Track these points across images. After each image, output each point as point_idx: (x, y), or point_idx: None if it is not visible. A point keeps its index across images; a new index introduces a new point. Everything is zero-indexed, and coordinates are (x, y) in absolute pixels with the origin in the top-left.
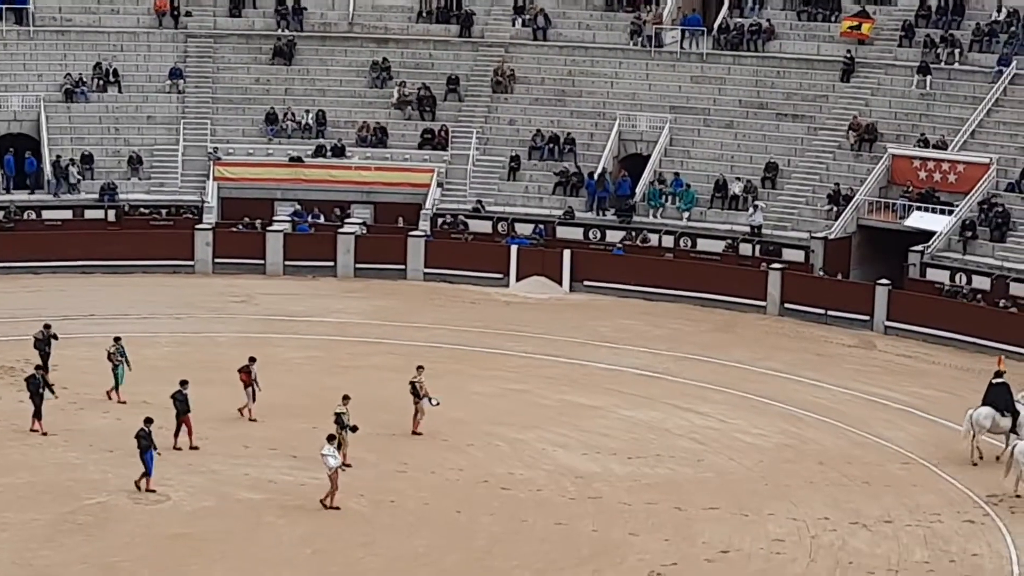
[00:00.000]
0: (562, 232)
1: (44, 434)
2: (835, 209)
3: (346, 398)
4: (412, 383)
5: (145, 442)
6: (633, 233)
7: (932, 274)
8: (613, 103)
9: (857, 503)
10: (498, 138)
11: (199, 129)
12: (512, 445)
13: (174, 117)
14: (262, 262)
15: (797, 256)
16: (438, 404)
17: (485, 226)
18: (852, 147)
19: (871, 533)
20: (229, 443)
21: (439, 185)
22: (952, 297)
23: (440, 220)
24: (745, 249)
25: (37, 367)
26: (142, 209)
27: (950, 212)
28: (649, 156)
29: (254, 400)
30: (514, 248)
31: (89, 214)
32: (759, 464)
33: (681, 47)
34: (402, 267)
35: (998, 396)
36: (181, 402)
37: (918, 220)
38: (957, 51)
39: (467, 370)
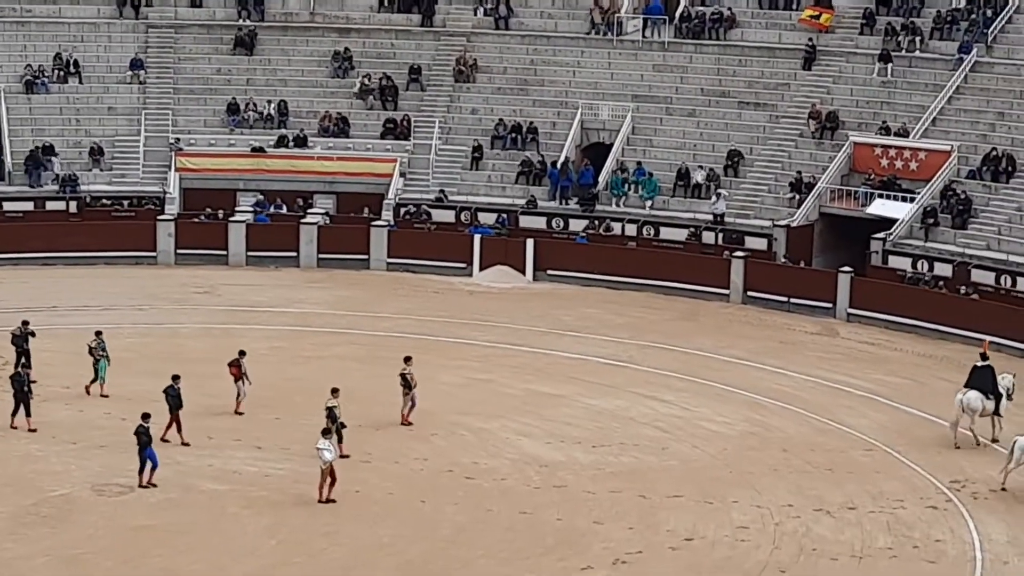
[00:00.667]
0: (525, 221)
1: (32, 431)
2: (797, 197)
3: (335, 391)
4: (403, 375)
5: (145, 438)
6: (596, 222)
7: (894, 261)
8: (575, 92)
9: (820, 490)
10: (460, 128)
11: (160, 120)
12: (477, 434)
13: (135, 108)
14: (225, 253)
15: (760, 244)
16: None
17: (448, 216)
18: (814, 135)
19: (835, 520)
20: (193, 434)
21: (402, 175)
22: (914, 284)
23: (403, 210)
24: (708, 237)
25: (23, 365)
26: (104, 200)
27: (912, 199)
28: (611, 145)
29: (244, 395)
30: (477, 238)
31: (50, 206)
32: (723, 452)
33: (643, 36)
34: (365, 257)
35: (983, 379)
36: (174, 397)
37: (880, 208)
38: (918, 39)
39: (431, 360)
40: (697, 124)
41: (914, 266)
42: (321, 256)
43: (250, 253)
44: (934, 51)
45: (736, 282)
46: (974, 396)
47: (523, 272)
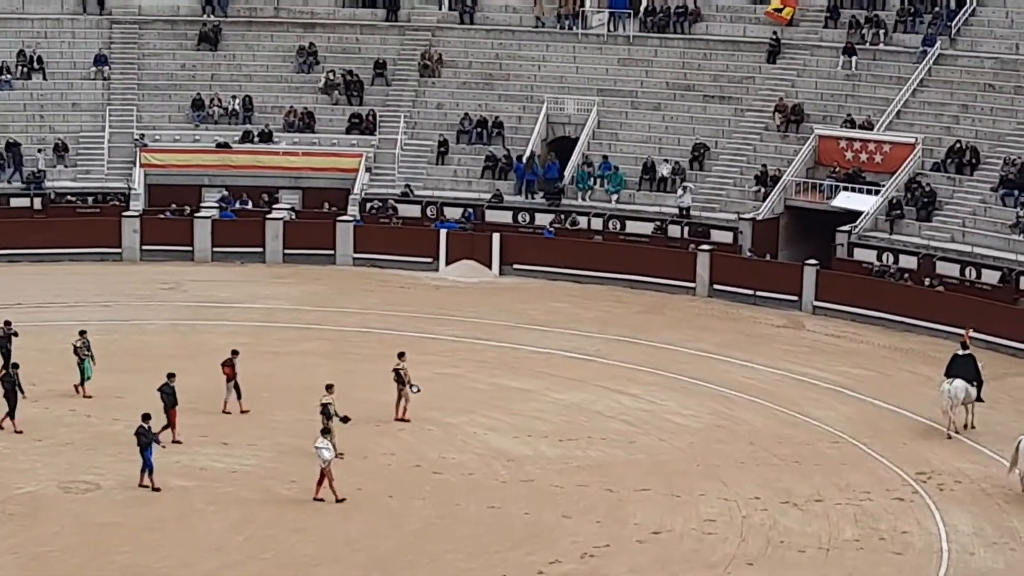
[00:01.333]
0: (491, 216)
1: (19, 432)
2: (763, 190)
3: (330, 387)
4: (396, 370)
5: (145, 439)
6: (562, 216)
7: (859, 254)
8: (541, 86)
9: (787, 482)
10: (426, 122)
11: (125, 116)
12: (444, 429)
13: (99, 104)
14: (190, 249)
15: (725, 237)
16: (418, 391)
17: (414, 210)
18: (779, 128)
19: (802, 512)
20: (158, 431)
21: (367, 170)
22: (879, 277)
23: (368, 205)
24: (674, 231)
25: (13, 365)
26: (68, 197)
27: (876, 192)
28: (577, 139)
29: (240, 395)
30: (443, 232)
31: (15, 202)
32: (690, 445)
33: (608, 30)
34: (331, 252)
35: (966, 368)
36: (168, 395)
37: (845, 200)
38: (882, 32)
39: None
40: (662, 118)
41: (879, 258)
42: (287, 252)
43: (216, 249)
44: (898, 44)
45: (702, 275)
46: (960, 385)
47: (489, 266)
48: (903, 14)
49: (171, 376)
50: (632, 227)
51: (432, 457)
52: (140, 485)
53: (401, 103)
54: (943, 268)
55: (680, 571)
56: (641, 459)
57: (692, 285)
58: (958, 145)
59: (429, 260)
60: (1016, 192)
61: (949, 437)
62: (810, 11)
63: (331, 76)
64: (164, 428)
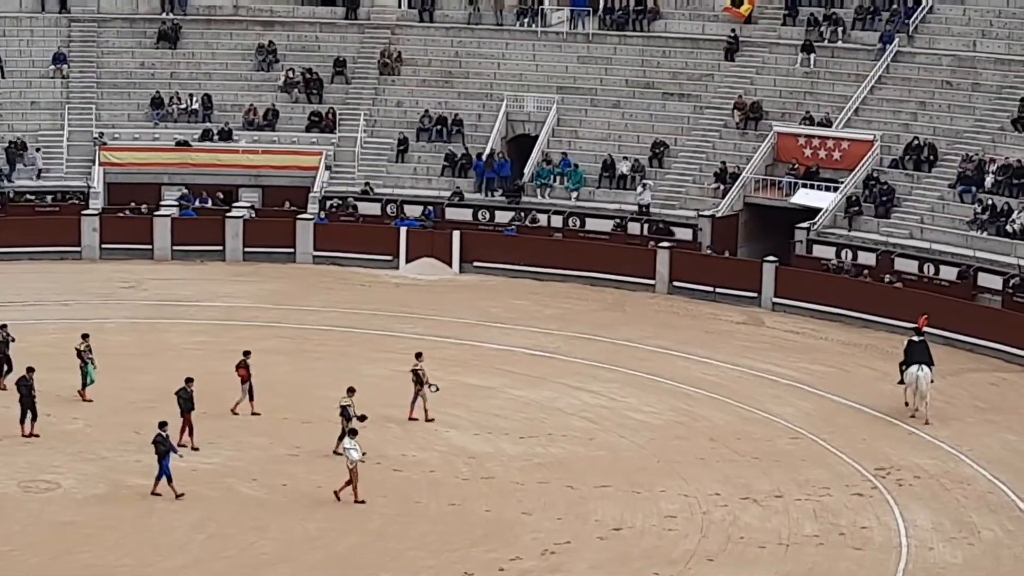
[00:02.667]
0: (451, 213)
1: (35, 436)
2: (722, 187)
3: (351, 390)
4: (414, 370)
5: (163, 447)
6: (522, 214)
7: (818, 250)
8: (500, 84)
9: (747, 478)
10: (386, 120)
11: (84, 114)
12: (404, 427)
13: (58, 102)
14: (150, 247)
15: (685, 234)
16: (437, 390)
17: (374, 208)
18: (738, 125)
19: (762, 508)
20: (120, 429)
21: (327, 168)
22: (838, 273)
23: (329, 203)
24: (633, 228)
25: (28, 369)
26: (27, 195)
27: (835, 189)
28: (537, 137)
29: (252, 397)
30: (403, 230)
31: None
32: (650, 441)
33: (568, 28)
34: (291, 250)
35: (924, 353)
36: (185, 400)
37: (804, 197)
38: (840, 29)
39: (358, 353)
40: (622, 115)
41: (838, 255)
42: (247, 250)
43: (176, 247)
44: (856, 41)
45: (662, 272)
46: (928, 372)
47: (449, 264)
48: (861, 11)
49: (189, 381)
50: (592, 224)
51: (393, 455)
52: (153, 493)
53: (361, 101)
54: (901, 264)
55: (641, 567)
56: (602, 456)
57: (652, 282)
58: (916, 142)
59: (389, 258)
60: (974, 189)
61: (914, 416)
62: (768, 9)
63: (291, 74)
64: (182, 434)
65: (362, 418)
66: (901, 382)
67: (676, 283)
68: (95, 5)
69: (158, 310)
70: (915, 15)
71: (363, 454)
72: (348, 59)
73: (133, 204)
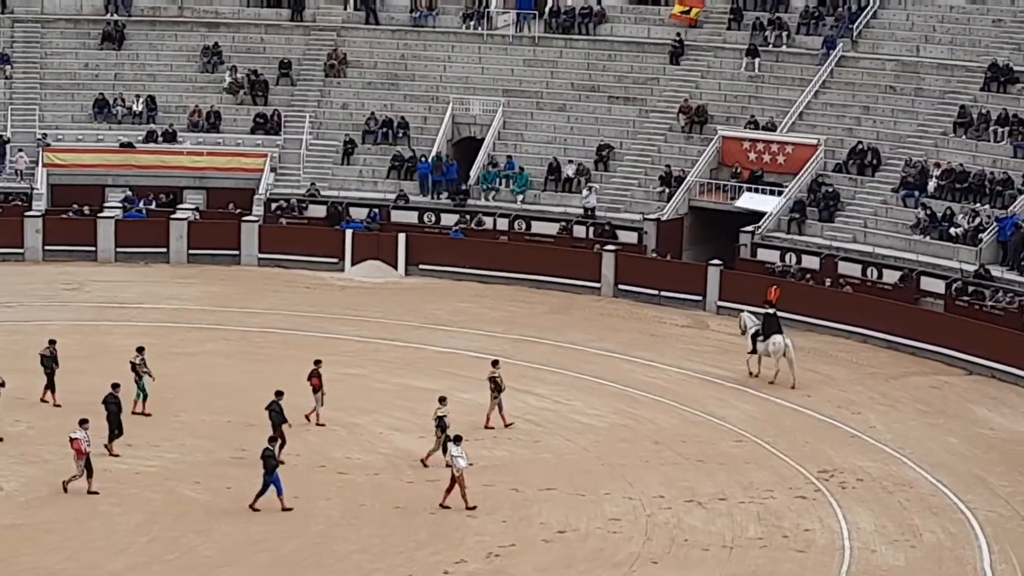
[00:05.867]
0: (397, 216)
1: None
2: (667, 191)
3: (443, 400)
4: (492, 378)
5: (272, 462)
6: (468, 216)
7: (763, 254)
8: (446, 86)
9: (692, 481)
10: (331, 122)
11: (27, 115)
12: (349, 429)
13: (1, 103)
14: (93, 249)
15: (630, 238)
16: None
17: (320, 211)
18: (683, 129)
19: (706, 511)
20: (62, 432)
21: (272, 170)
22: (782, 277)
23: (274, 205)
24: (579, 231)
25: (114, 385)
26: None
27: (779, 193)
28: (483, 139)
29: (322, 404)
30: (349, 232)
31: None
32: (595, 444)
33: (514, 31)
34: (236, 252)
35: (776, 323)
36: (277, 413)
37: (748, 201)
38: (785, 34)
39: (303, 355)
40: (567, 118)
41: (782, 259)
42: (191, 252)
43: (119, 249)
44: (801, 46)
45: (607, 275)
46: (783, 340)
47: (395, 266)
48: (806, 16)
49: (279, 394)
50: (537, 227)
51: (337, 457)
52: (252, 507)
53: (306, 103)
54: (845, 268)
55: (585, 570)
56: (547, 458)
57: (597, 285)
58: (860, 146)
59: (334, 260)
60: (916, 193)
61: (772, 382)
62: (713, 13)
63: (235, 75)
64: (280, 447)
65: (445, 428)
66: (753, 351)
67: (621, 286)
68: (38, 5)
69: (101, 312)
70: (859, 20)
71: (470, 463)
72: (293, 61)
73: (75, 205)
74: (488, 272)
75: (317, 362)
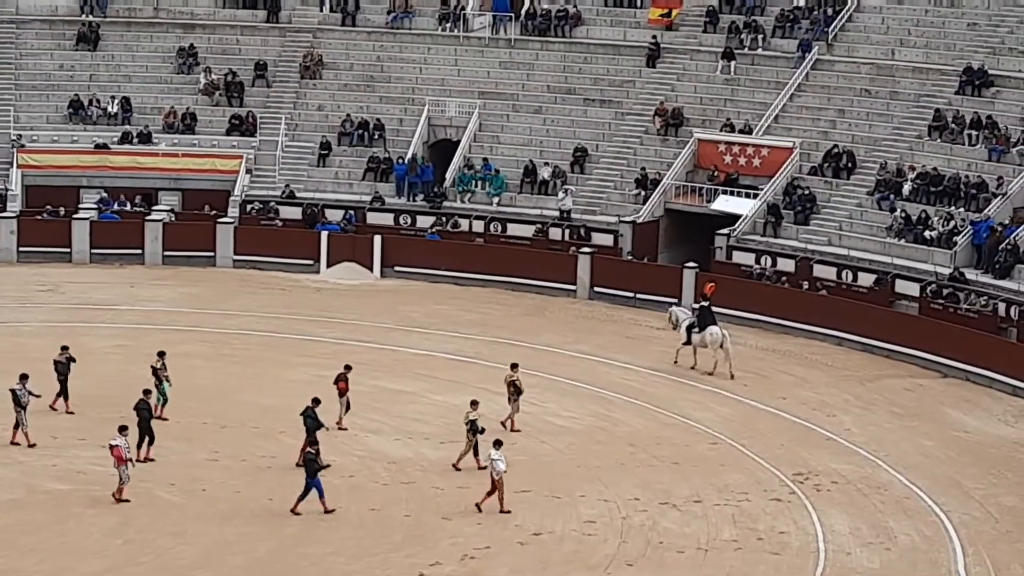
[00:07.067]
0: (372, 218)
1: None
2: (643, 193)
3: (475, 403)
4: (512, 381)
5: (315, 465)
6: (443, 218)
7: (738, 257)
8: (422, 88)
9: (667, 483)
10: (307, 124)
11: (2, 116)
12: (325, 431)
13: None
14: (68, 250)
15: (606, 240)
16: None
17: (295, 213)
18: (659, 132)
19: (681, 513)
20: (36, 434)
21: (248, 172)
22: (758, 279)
23: (249, 207)
24: (555, 233)
25: (145, 391)
26: None
27: (755, 196)
28: (459, 142)
29: (348, 409)
30: (324, 234)
31: None
32: (570, 446)
33: (490, 33)
34: (211, 254)
35: (711, 316)
36: (312, 420)
37: (724, 204)
38: (760, 37)
39: (278, 357)
40: (543, 121)
41: (758, 261)
42: (166, 253)
43: (94, 250)
44: (776, 49)
45: (583, 278)
46: (719, 331)
47: (370, 268)
48: (781, 19)
49: (316, 401)
50: (513, 229)
51: None
52: (293, 511)
53: (282, 105)
54: (820, 271)
55: (561, 572)
56: (522, 460)
57: (573, 287)
58: (835, 149)
59: (310, 262)
60: (891, 196)
61: (711, 373)
62: (689, 16)
63: (211, 77)
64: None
65: (481, 431)
66: (687, 343)
67: (597, 288)
68: (13, 6)
69: (76, 313)
70: (834, 23)
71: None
72: (269, 62)
73: (50, 207)
74: (464, 274)
75: (347, 367)
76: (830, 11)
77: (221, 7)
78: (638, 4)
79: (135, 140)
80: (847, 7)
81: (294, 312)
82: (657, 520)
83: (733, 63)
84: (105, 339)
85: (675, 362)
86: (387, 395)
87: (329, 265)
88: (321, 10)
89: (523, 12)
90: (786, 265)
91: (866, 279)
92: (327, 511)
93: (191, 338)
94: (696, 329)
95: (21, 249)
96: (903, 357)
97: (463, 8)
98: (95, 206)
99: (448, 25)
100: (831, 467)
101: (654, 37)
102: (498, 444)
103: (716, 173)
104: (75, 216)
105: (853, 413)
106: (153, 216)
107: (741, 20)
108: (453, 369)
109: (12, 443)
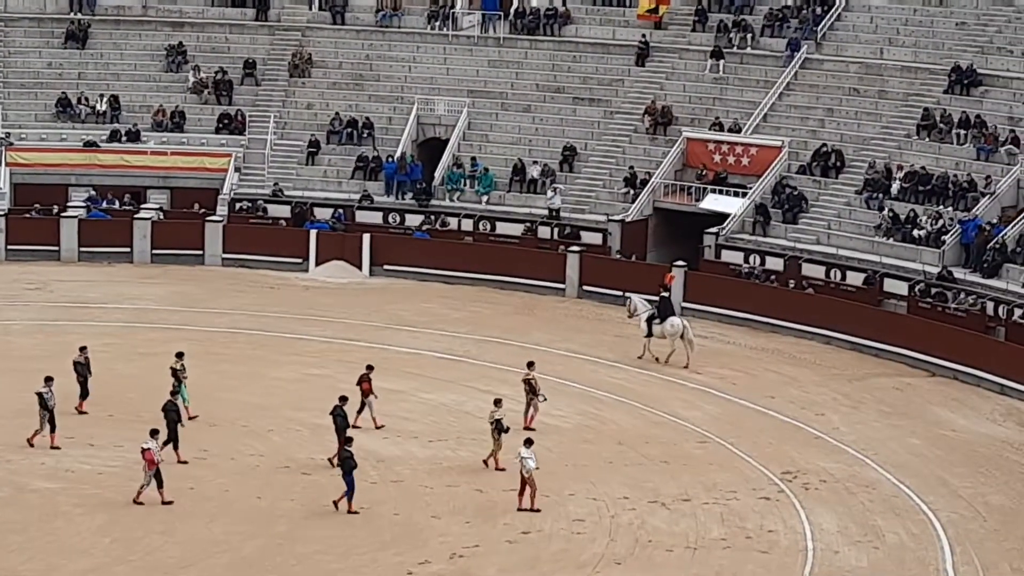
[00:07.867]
0: (361, 216)
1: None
2: (631, 192)
3: (498, 402)
4: (528, 380)
5: (352, 463)
6: (432, 217)
7: (727, 256)
8: (411, 87)
9: (655, 482)
10: (296, 122)
11: None
12: (313, 430)
13: None
14: (56, 249)
15: (595, 239)
16: (545, 400)
17: (284, 211)
18: (648, 131)
19: (669, 511)
20: (24, 433)
21: (237, 170)
22: (746, 278)
23: (238, 205)
24: (544, 232)
25: (173, 392)
26: None
27: (744, 195)
28: (448, 140)
29: (373, 409)
30: (313, 233)
31: None
32: (559, 445)
33: (479, 31)
34: (200, 252)
35: (671, 306)
36: (342, 418)
37: (713, 203)
38: (749, 36)
39: (267, 356)
40: (532, 119)
41: (746, 260)
42: (155, 252)
43: (83, 249)
44: (765, 48)
45: (572, 276)
46: (679, 320)
47: (359, 267)
48: (770, 18)
49: (343, 399)
50: (502, 228)
51: (301, 458)
52: (349, 512)
53: (271, 103)
54: (809, 270)
55: (549, 571)
56: (511, 459)
57: (562, 286)
58: (824, 148)
59: (299, 260)
60: (880, 195)
61: (639, 356)
62: (678, 15)
63: (199, 75)
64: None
65: (506, 430)
66: (649, 335)
67: (586, 287)
68: (1, 4)
69: (64, 312)
70: (823, 22)
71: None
72: (258, 61)
73: (39, 205)
74: (452, 273)
75: (369, 367)
76: (819, 10)
77: (210, 5)
78: (627, 3)
79: (124, 138)
80: (836, 6)
81: (283, 310)
82: (646, 519)
83: (722, 62)
84: (94, 337)
85: (640, 356)
86: (376, 393)
87: (318, 263)
88: (310, 8)
89: (512, 11)
90: (775, 264)
91: (855, 278)
92: (350, 512)
93: (179, 336)
94: (657, 320)
95: (9, 247)
96: (891, 356)
97: (452, 7)
98: (84, 204)
99: (437, 24)
100: (820, 466)
101: (643, 36)
102: (528, 443)
103: (705, 172)
104: (64, 214)
105: (841, 412)
106: (142, 214)
107: (730, 19)
108: (442, 368)
109: (28, 441)
